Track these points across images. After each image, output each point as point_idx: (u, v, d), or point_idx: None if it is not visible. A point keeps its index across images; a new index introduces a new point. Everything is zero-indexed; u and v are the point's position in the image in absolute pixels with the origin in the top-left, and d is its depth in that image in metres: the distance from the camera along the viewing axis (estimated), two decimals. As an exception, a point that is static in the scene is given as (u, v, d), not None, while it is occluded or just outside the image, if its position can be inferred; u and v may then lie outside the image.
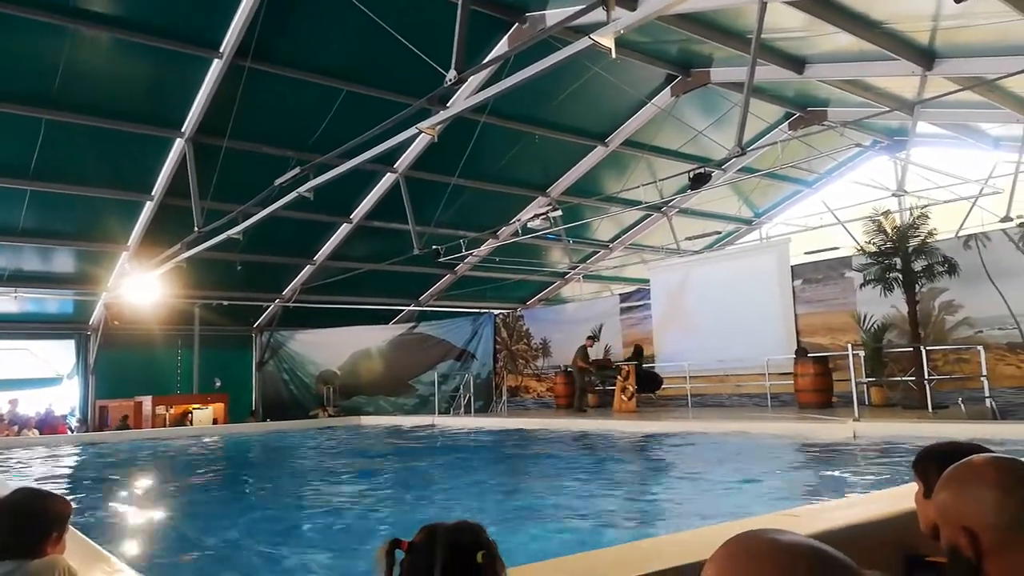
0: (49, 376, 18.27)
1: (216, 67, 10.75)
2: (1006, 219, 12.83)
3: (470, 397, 18.08)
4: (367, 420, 17.41)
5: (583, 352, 15.21)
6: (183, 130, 11.97)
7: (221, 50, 10.48)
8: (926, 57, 10.34)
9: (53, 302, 17.45)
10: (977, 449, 2.11)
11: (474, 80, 10.30)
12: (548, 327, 19.57)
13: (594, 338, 15.75)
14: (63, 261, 15.73)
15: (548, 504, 6.33)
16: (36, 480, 9.08)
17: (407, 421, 16.72)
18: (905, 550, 2.53)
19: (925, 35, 9.96)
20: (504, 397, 19.02)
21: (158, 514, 7.12)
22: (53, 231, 14.34)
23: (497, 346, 20.38)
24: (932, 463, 2.07)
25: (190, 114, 11.71)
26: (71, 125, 11.40)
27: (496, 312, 21.14)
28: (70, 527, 2.52)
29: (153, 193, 13.39)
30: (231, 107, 11.18)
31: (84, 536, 3.77)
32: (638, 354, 15.55)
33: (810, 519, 2.95)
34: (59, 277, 16.12)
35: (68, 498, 2.55)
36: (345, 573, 4.34)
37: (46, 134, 11.40)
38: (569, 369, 17.62)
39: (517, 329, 20.25)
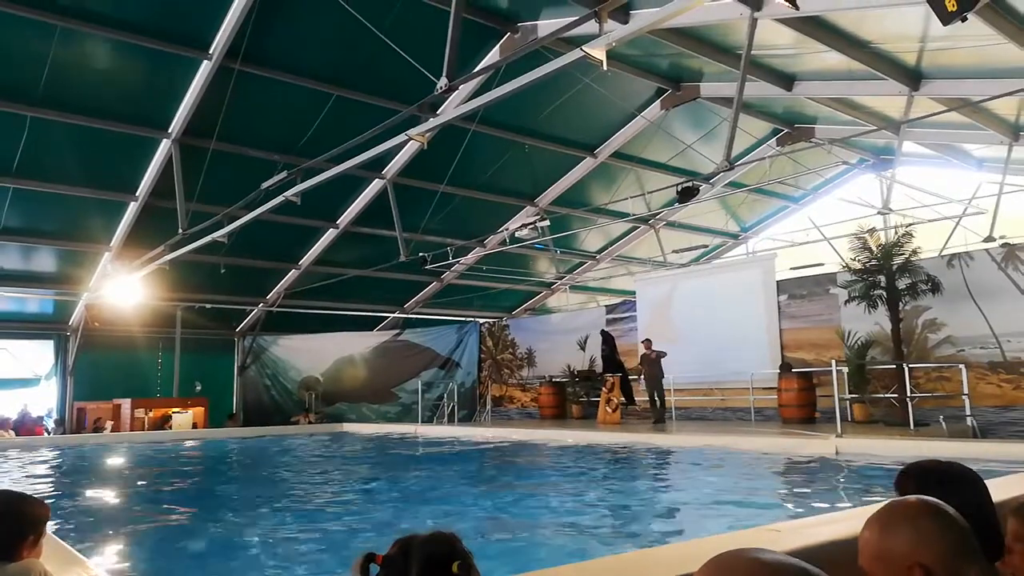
0: (27, 377, 18.03)
1: (205, 68, 10.69)
2: (989, 239, 12.95)
3: (454, 406, 18.01)
4: (349, 427, 17.29)
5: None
6: (170, 131, 11.88)
7: (211, 51, 10.42)
8: (913, 78, 10.47)
9: (33, 302, 17.22)
10: (957, 467, 2.11)
11: (465, 88, 10.32)
12: (534, 337, 19.56)
13: (649, 341, 14.94)
14: (44, 260, 15.53)
15: (532, 514, 6.28)
16: (11, 482, 8.92)
17: (389, 429, 16.62)
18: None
19: (912, 56, 10.08)
20: (488, 407, 18.96)
21: (133, 519, 7.00)
22: (35, 230, 14.16)
23: (482, 355, 20.33)
24: (912, 480, 2.07)
25: (177, 115, 11.62)
26: (56, 123, 11.27)
27: (482, 321, 21.11)
28: (47, 531, 2.48)
29: (138, 194, 13.27)
30: (219, 109, 11.12)
31: (60, 540, 3.70)
32: (607, 343, 15.14)
33: (791, 535, 2.94)
34: (40, 276, 15.91)
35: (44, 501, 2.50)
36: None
37: (30, 132, 11.26)
38: (555, 379, 17.66)
39: (502, 338, 20.22)
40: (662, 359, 14.00)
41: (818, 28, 9.22)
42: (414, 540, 1.39)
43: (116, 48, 10.42)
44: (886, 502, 1.46)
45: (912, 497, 1.45)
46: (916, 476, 2.09)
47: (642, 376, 14.34)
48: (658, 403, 14.06)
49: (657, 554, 2.86)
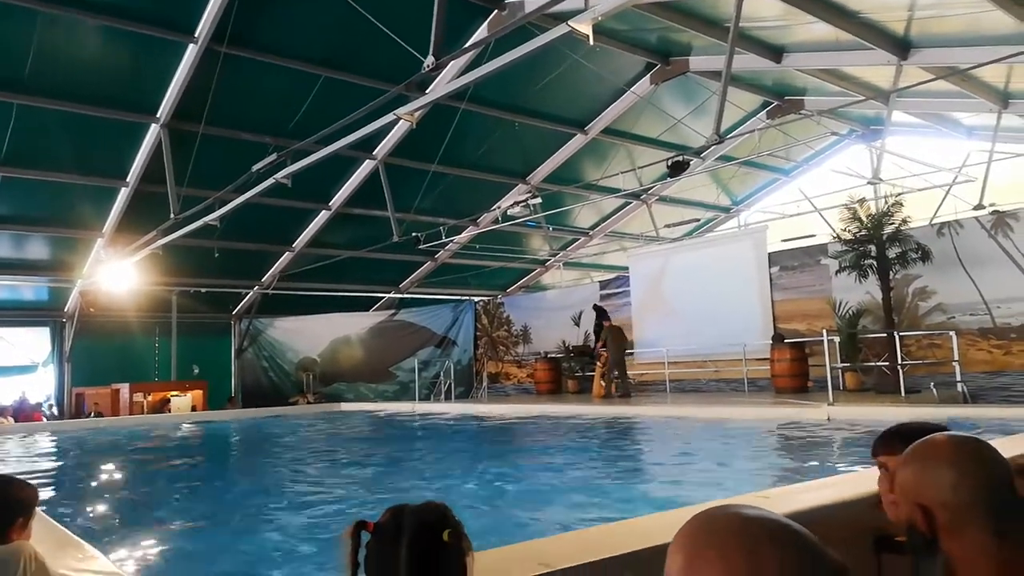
0: (24, 364, 18.03)
1: (191, 52, 10.60)
2: (979, 207, 13.00)
3: (451, 384, 18.11)
4: (347, 406, 17.38)
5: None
6: (158, 116, 11.80)
7: (196, 35, 10.33)
8: (901, 47, 10.43)
9: (27, 289, 17.19)
10: (935, 429, 2.15)
11: (454, 66, 10.25)
12: (528, 314, 19.62)
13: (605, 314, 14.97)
14: (37, 248, 15.50)
15: (523, 486, 6.37)
16: (7, 467, 8.99)
17: (387, 408, 16.71)
18: (874, 530, 2.59)
19: (901, 25, 10.04)
20: (485, 384, 19.06)
21: (130, 501, 7.07)
22: (26, 217, 14.12)
23: (478, 333, 20.39)
24: (884, 442, 2.11)
25: (165, 99, 11.54)
26: (43, 110, 11.19)
27: (477, 299, 21.14)
28: (40, 513, 2.51)
29: (128, 179, 13.21)
30: (207, 93, 11.03)
31: (55, 522, 3.75)
32: (600, 317, 15.14)
33: (781, 500, 3.01)
34: (33, 264, 15.88)
35: (37, 484, 2.54)
36: (311, 558, 4.35)
37: (18, 119, 11.18)
38: (551, 355, 17.75)
39: (497, 316, 20.28)
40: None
41: (806, -1, 9.19)
42: (405, 509, 1.41)
43: (101, 33, 10.32)
44: (927, 436, 1.41)
45: (945, 436, 1.40)
46: (885, 438, 2.11)
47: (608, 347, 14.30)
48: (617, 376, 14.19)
49: (646, 523, 2.92)
